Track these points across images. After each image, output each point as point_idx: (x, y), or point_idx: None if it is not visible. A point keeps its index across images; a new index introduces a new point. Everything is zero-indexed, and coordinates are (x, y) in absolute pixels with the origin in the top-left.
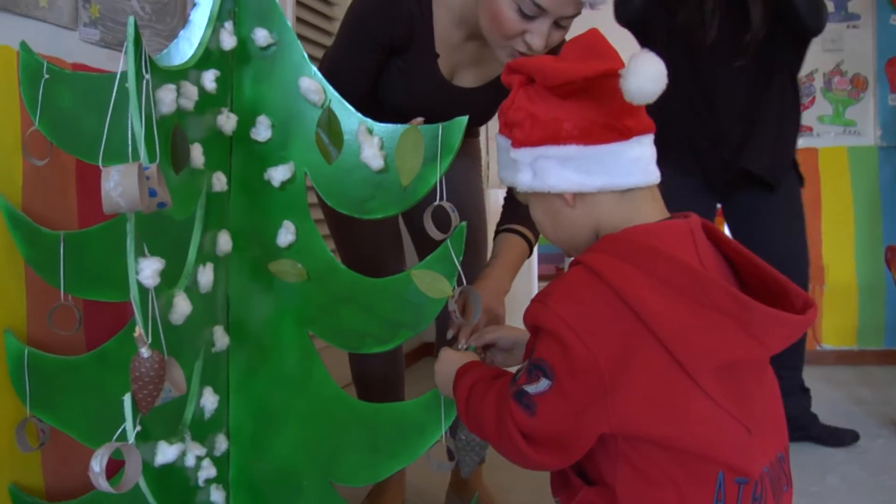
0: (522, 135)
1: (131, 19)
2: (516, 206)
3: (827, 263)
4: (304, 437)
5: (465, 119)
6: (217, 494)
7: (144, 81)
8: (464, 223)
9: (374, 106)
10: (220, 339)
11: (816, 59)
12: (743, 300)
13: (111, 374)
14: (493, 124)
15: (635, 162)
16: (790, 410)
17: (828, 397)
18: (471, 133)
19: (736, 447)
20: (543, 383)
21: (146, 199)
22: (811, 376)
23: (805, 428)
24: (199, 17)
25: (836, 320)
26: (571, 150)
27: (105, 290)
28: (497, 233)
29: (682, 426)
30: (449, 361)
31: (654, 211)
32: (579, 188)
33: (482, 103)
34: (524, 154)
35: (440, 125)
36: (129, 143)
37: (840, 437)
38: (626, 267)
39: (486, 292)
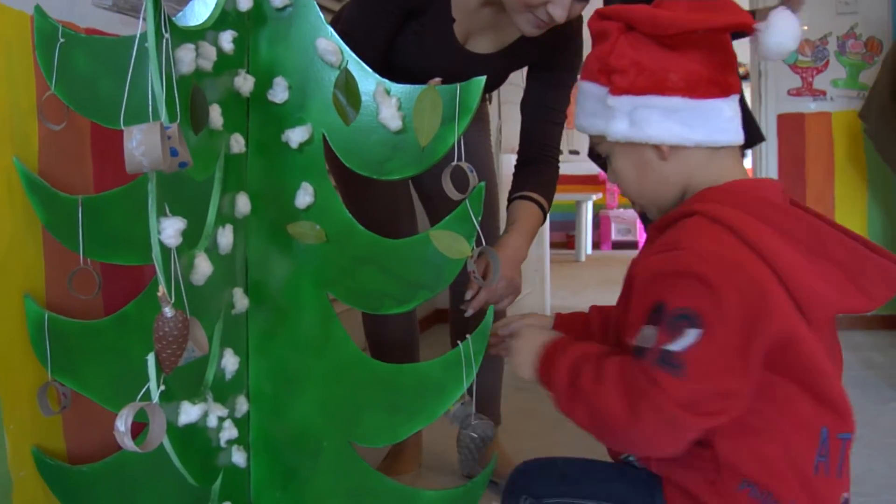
0: (625, 82)
1: None
2: (529, 173)
3: None
4: (324, 399)
5: (482, 79)
6: (238, 455)
7: (164, 41)
8: (482, 183)
9: (386, 70)
10: (240, 301)
11: (830, 22)
12: (859, 251)
13: (131, 338)
14: (505, 90)
15: (731, 119)
16: None
17: None
18: (482, 98)
19: (842, 400)
20: (690, 335)
21: (168, 158)
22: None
23: None
24: None
25: None
26: (676, 101)
27: (124, 254)
28: (511, 200)
29: (808, 373)
30: (533, 339)
31: (739, 171)
32: (679, 141)
33: (495, 69)
34: (624, 102)
35: (458, 85)
36: (150, 102)
37: None
38: (746, 216)
39: (504, 260)
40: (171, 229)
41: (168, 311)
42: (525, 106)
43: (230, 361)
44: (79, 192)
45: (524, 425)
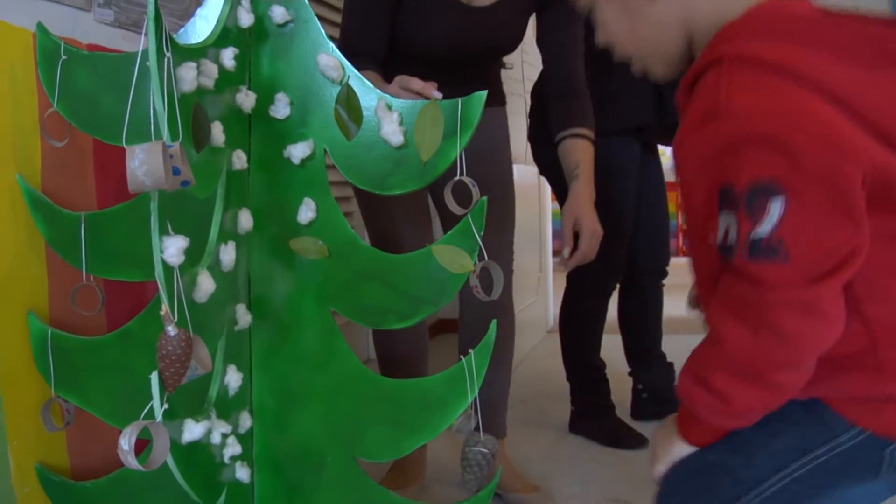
0: None
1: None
2: (568, 110)
3: None
4: (327, 414)
5: (483, 94)
6: (242, 471)
7: (165, 59)
8: (484, 198)
9: (390, 59)
10: (243, 317)
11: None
12: None
13: (134, 354)
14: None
15: None
16: (655, 382)
17: None
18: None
19: None
20: (775, 207)
21: (170, 177)
22: None
23: (671, 402)
24: None
25: None
26: None
27: (127, 270)
28: (560, 139)
29: None
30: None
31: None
32: None
33: (500, 20)
34: None
35: (459, 100)
36: (151, 121)
37: None
38: (785, 45)
39: (583, 208)
40: (173, 248)
41: (171, 330)
42: (542, 45)
43: (233, 378)
44: (81, 208)
45: (530, 434)
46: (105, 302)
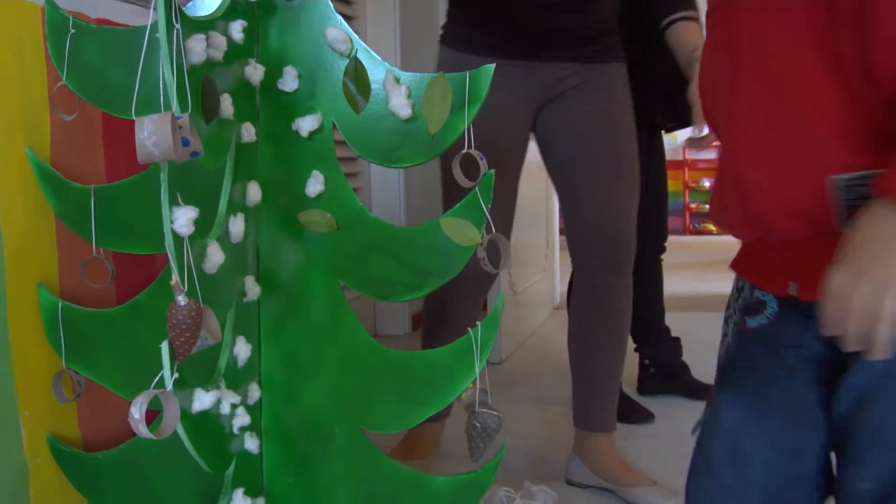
0: None
1: None
2: None
3: None
4: (335, 386)
5: (491, 67)
6: (251, 442)
7: (175, 31)
8: (492, 171)
9: None
10: (252, 289)
11: None
12: None
13: (144, 326)
14: None
15: None
16: (661, 356)
17: None
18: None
19: None
20: None
21: (179, 148)
22: None
23: (677, 376)
24: None
25: None
26: None
27: (136, 243)
28: (668, 24)
29: None
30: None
31: None
32: None
33: None
34: None
35: (468, 73)
36: (161, 92)
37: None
38: None
39: None
40: (183, 218)
41: (181, 300)
42: None
43: (242, 349)
44: (90, 181)
45: (537, 411)
46: (115, 274)
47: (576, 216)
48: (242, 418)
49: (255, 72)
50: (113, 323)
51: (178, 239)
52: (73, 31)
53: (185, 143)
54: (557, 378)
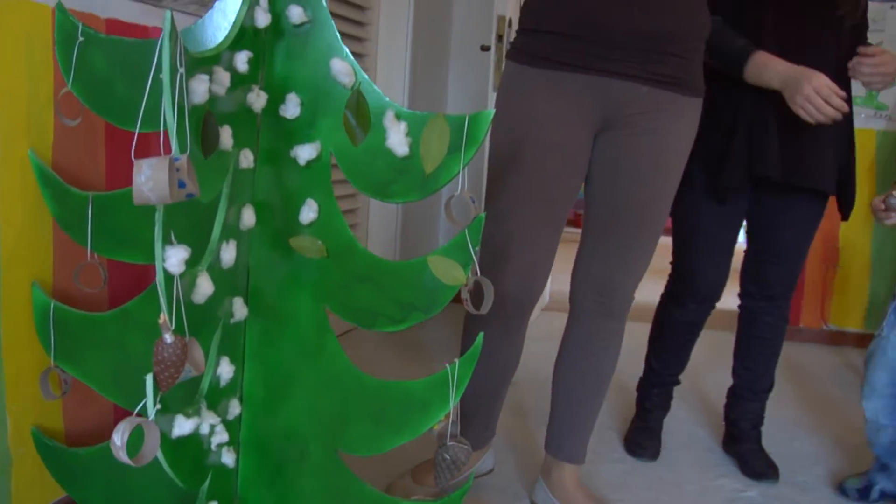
0: None
1: (168, 13)
2: None
3: (843, 245)
4: (313, 405)
5: (490, 113)
6: (228, 456)
7: (178, 75)
8: (482, 214)
9: None
10: (239, 310)
11: None
12: None
13: (132, 333)
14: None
15: None
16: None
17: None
18: (682, 80)
19: None
20: None
21: (175, 191)
22: (823, 355)
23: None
24: None
25: (846, 302)
26: None
27: (130, 252)
28: None
29: None
30: None
31: None
32: None
33: None
34: None
35: (467, 116)
36: (161, 125)
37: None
38: None
39: None
40: (175, 258)
41: (168, 338)
42: None
43: (226, 370)
44: (91, 187)
45: (519, 420)
46: (108, 280)
47: (588, 248)
48: (221, 436)
49: (257, 99)
50: (102, 327)
51: (168, 277)
52: (81, 39)
53: (182, 185)
54: (539, 385)
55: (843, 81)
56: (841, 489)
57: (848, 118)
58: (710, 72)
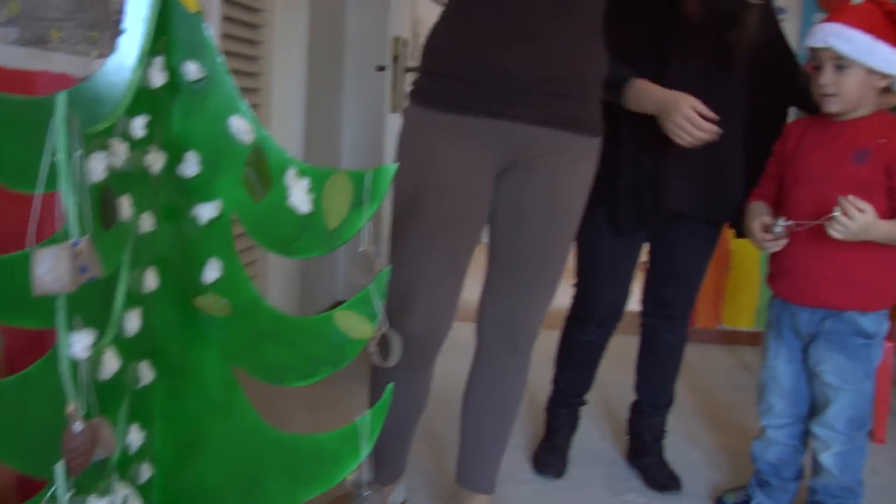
0: None
1: (62, 95)
2: None
3: (734, 249)
4: (225, 463)
5: (392, 167)
6: None
7: (76, 156)
8: (387, 269)
9: None
10: (146, 374)
11: None
12: None
13: (35, 399)
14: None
15: None
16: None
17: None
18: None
19: None
20: None
21: (77, 277)
22: (718, 354)
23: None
24: (127, 46)
25: (738, 302)
26: None
27: (29, 317)
28: None
29: None
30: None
31: None
32: None
33: None
34: None
35: (370, 171)
36: (63, 214)
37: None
38: None
39: None
40: (80, 345)
41: (77, 427)
42: None
43: (135, 438)
44: None
45: None
46: (5, 344)
47: (493, 286)
48: (133, 502)
49: (155, 161)
50: (3, 394)
51: (73, 364)
52: None
53: (83, 269)
54: (441, 404)
55: (756, 109)
56: (719, 503)
57: (744, 140)
58: (605, 111)
